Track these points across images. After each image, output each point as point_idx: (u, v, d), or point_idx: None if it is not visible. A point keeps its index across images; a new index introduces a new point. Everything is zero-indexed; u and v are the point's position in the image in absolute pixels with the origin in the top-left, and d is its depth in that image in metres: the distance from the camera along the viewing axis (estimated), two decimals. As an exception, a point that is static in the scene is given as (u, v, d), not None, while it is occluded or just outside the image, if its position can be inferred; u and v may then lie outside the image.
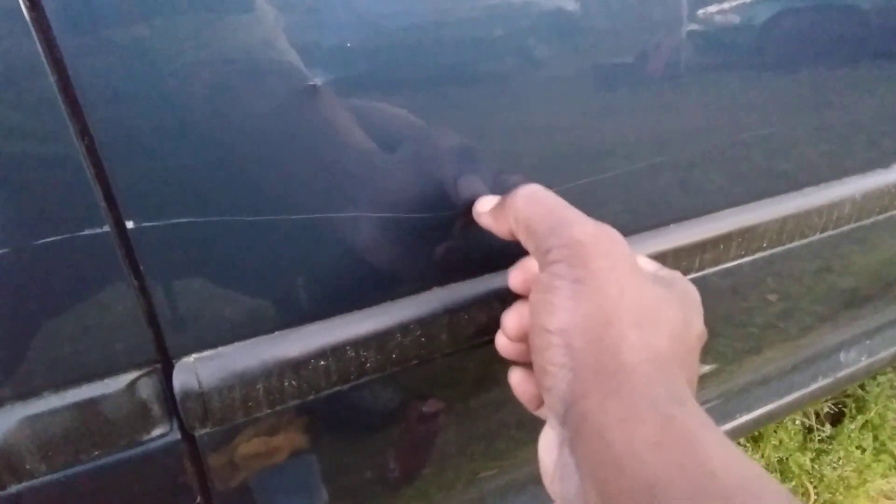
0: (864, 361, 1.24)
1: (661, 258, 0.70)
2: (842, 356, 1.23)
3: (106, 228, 0.44)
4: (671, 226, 0.71)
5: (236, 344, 0.53)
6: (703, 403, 1.09)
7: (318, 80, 0.47)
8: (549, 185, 0.59)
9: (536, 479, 0.94)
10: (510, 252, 0.62)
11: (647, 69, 0.61)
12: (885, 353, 1.27)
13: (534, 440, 0.85)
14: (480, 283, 0.61)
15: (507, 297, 0.62)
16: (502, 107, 0.56)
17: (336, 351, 0.56)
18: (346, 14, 0.47)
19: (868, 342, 1.25)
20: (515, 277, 0.55)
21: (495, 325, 0.63)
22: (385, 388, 0.63)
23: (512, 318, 0.54)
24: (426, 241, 0.57)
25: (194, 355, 0.51)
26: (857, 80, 0.79)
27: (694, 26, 0.62)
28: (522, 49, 0.54)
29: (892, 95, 0.83)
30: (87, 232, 0.44)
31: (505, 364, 0.70)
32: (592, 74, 0.59)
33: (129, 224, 0.45)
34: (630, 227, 0.68)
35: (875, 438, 1.69)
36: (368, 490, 0.70)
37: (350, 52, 0.48)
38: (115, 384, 0.49)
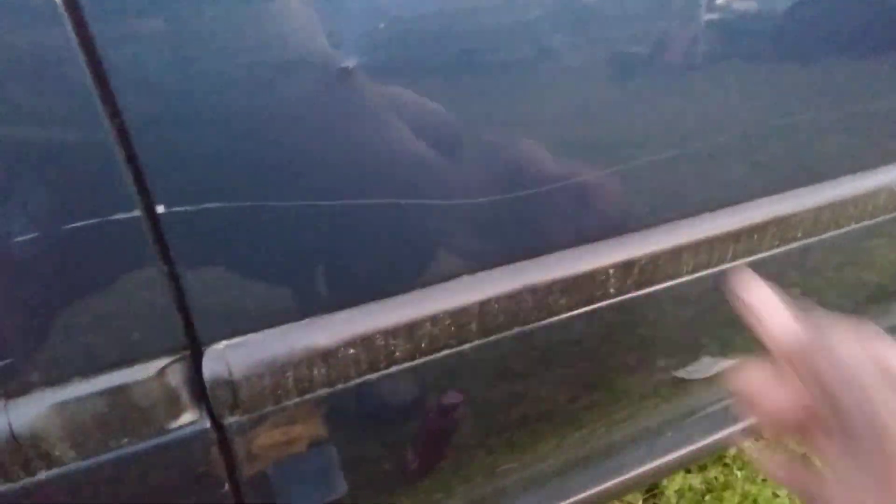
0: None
1: (695, 248, 0.68)
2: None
3: (136, 213, 0.44)
4: (705, 214, 0.69)
5: (266, 331, 0.52)
6: (722, 400, 1.06)
7: (350, 64, 0.46)
8: (586, 171, 0.59)
9: (558, 473, 0.93)
10: (539, 240, 0.61)
11: (679, 58, 0.60)
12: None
13: (556, 433, 0.84)
14: (510, 271, 0.60)
15: (538, 287, 0.61)
16: (533, 96, 0.54)
17: (365, 339, 0.55)
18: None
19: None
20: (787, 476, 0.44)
21: (524, 315, 0.62)
22: (414, 377, 0.62)
23: (775, 399, 0.43)
24: (457, 229, 0.56)
25: (224, 342, 0.51)
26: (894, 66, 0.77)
27: (728, 15, 0.61)
28: (545, 38, 0.53)
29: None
30: (117, 216, 0.43)
31: (530, 355, 0.69)
32: (625, 64, 0.58)
33: (160, 209, 0.44)
34: (664, 215, 0.67)
35: (899, 434, 1.67)
36: (395, 478, 0.70)
37: (381, 35, 0.46)
38: (144, 371, 0.49)
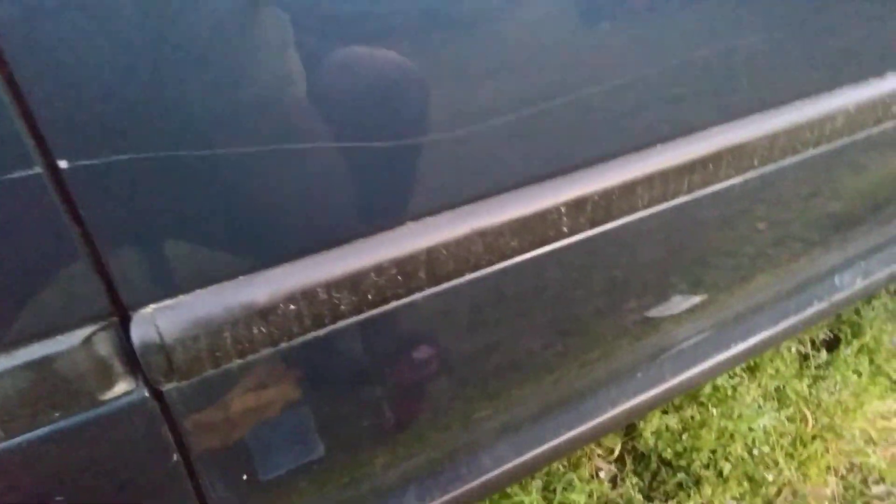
0: (860, 284, 1.22)
1: (649, 181, 0.66)
2: (837, 279, 1.21)
3: (37, 170, 0.40)
4: (657, 146, 0.67)
5: (197, 291, 0.49)
6: (696, 335, 1.06)
7: (259, -6, 0.42)
8: (531, 102, 0.56)
9: (531, 419, 0.92)
10: (487, 181, 0.59)
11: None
12: (880, 275, 1.25)
13: (529, 380, 0.83)
14: (456, 215, 0.58)
15: (487, 230, 0.59)
16: (488, 22, 0.51)
17: (306, 294, 0.52)
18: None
19: (863, 264, 1.23)
20: None
21: (476, 260, 0.60)
22: (368, 332, 0.60)
23: None
24: (397, 171, 0.54)
25: (152, 305, 0.48)
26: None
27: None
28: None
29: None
30: (16, 174, 0.40)
31: (495, 305, 0.67)
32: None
33: (62, 163, 0.41)
34: (615, 150, 0.65)
35: (871, 362, 1.69)
36: (355, 439, 0.68)
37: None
38: (68, 341, 0.46)
